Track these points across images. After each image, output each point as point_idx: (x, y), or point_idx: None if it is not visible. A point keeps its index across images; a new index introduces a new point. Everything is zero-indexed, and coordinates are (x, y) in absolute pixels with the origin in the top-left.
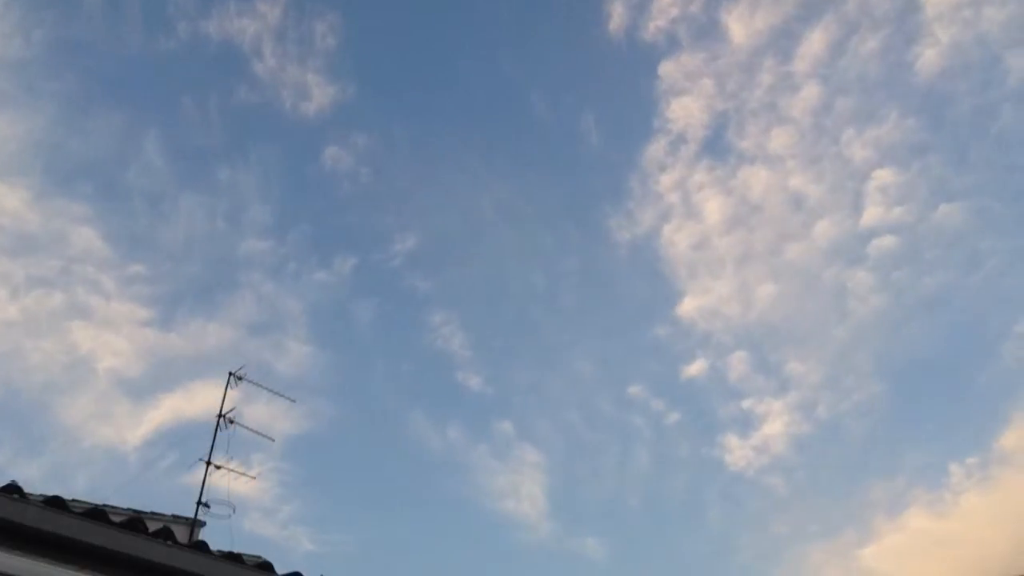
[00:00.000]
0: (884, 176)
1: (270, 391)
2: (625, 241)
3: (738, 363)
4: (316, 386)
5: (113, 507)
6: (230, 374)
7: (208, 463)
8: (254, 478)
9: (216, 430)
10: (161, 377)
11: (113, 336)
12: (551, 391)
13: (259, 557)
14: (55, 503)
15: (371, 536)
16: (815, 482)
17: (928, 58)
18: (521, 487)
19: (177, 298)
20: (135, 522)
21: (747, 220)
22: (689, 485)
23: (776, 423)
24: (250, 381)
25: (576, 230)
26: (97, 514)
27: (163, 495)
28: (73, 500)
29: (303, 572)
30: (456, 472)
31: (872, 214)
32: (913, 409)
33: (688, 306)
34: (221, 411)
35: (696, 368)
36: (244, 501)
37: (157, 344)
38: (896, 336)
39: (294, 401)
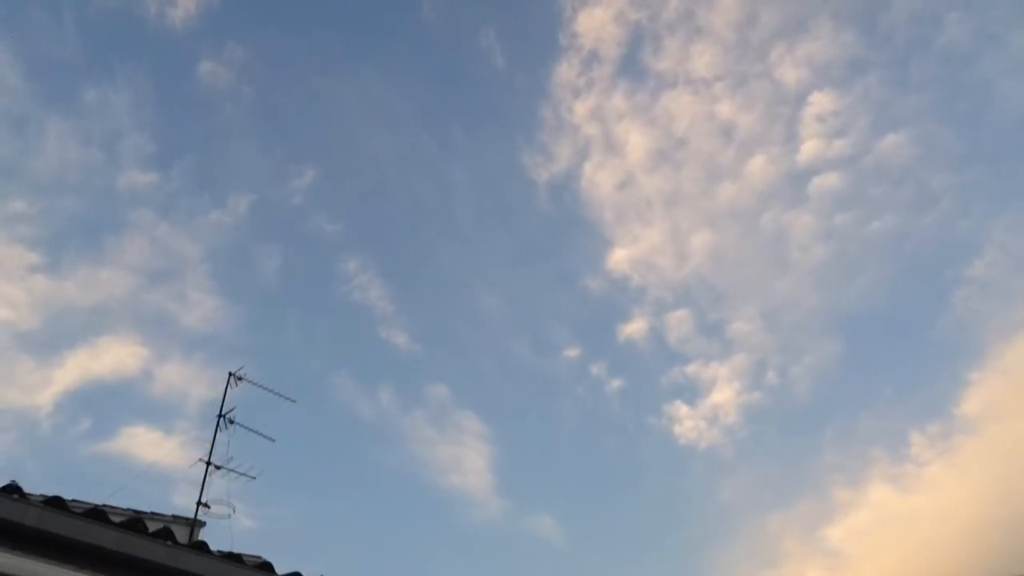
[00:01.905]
0: (821, 101)
1: (270, 391)
2: (544, 181)
3: (678, 323)
4: (229, 345)
5: (113, 507)
6: (230, 374)
7: (208, 463)
8: (254, 478)
9: (216, 430)
10: (62, 331)
11: (3, 283)
12: (482, 350)
13: (259, 557)
14: (55, 503)
15: (310, 512)
16: (769, 453)
17: None
18: (464, 460)
19: (62, 239)
20: (135, 522)
21: (673, 155)
22: (639, 457)
23: (725, 390)
24: (250, 381)
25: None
26: (97, 514)
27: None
28: (73, 500)
29: (302, 572)
30: (392, 442)
31: (810, 148)
32: (868, 371)
33: (619, 257)
34: (221, 411)
35: (634, 328)
36: (173, 472)
37: (52, 294)
38: (844, 288)
39: (294, 402)
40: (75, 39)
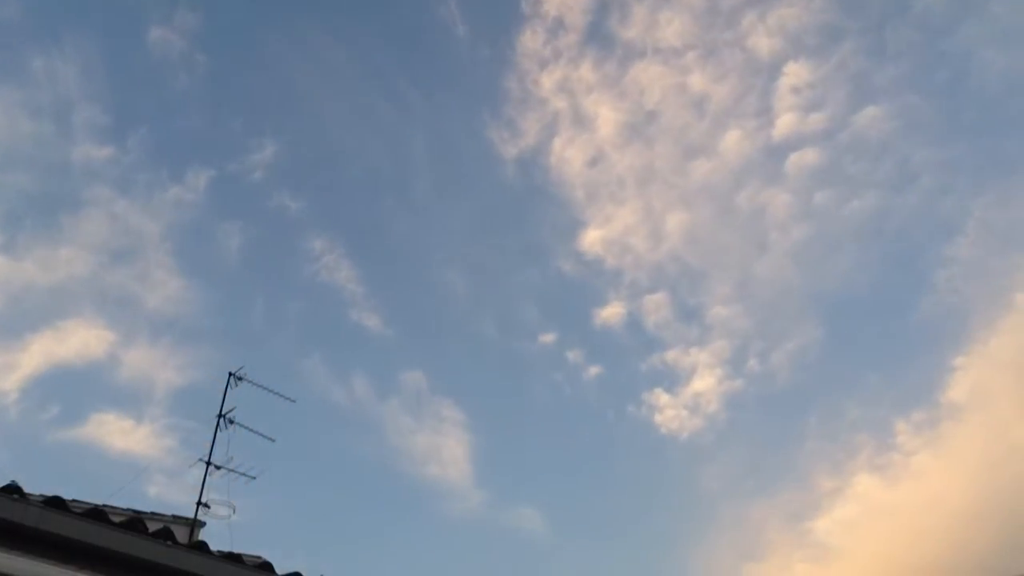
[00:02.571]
0: (796, 72)
1: (270, 391)
2: (512, 158)
3: (655, 307)
4: (195, 328)
5: (113, 507)
6: (230, 374)
7: (208, 463)
8: (254, 478)
9: (216, 430)
10: (24, 314)
11: None
12: (456, 334)
13: (259, 557)
14: (55, 503)
15: (286, 501)
16: (753, 443)
17: None
18: (443, 449)
19: (16, 217)
20: (135, 522)
21: (644, 130)
22: (620, 447)
23: (706, 377)
24: (250, 381)
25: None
26: (97, 514)
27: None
28: (73, 500)
29: (302, 572)
30: (368, 431)
31: (786, 122)
32: (851, 357)
33: (592, 238)
34: (221, 411)
35: (610, 313)
36: (144, 460)
37: (11, 274)
38: (824, 270)
39: (294, 401)
40: (17, 4)
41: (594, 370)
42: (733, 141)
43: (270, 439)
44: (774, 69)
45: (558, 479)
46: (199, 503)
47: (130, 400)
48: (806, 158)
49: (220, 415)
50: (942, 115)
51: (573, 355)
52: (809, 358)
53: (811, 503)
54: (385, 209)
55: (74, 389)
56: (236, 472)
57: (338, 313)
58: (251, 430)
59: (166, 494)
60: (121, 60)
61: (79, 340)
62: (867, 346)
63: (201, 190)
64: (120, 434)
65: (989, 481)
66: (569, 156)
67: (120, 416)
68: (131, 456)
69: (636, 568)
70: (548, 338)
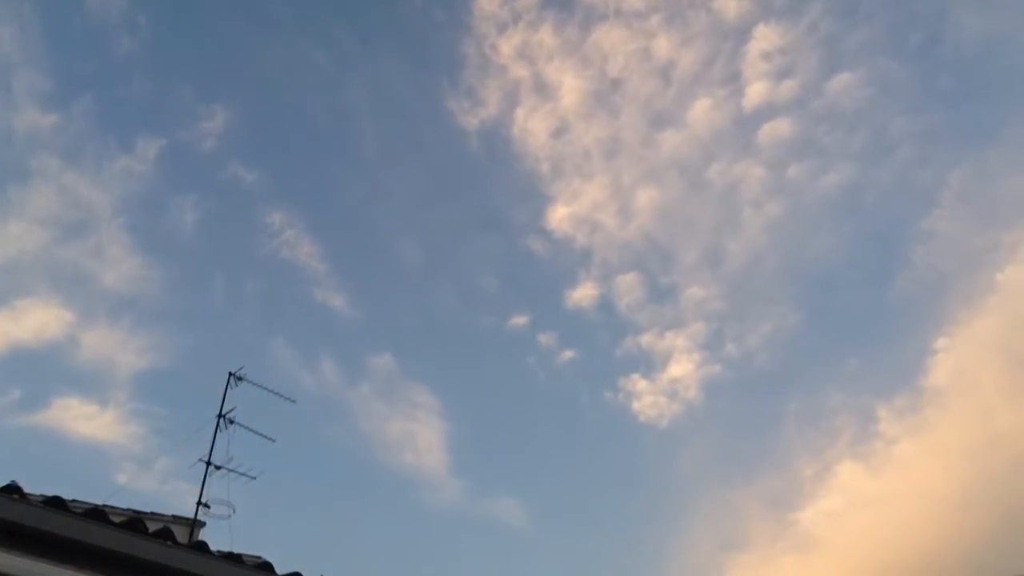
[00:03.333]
0: (765, 35)
1: (270, 391)
2: (474, 129)
3: (628, 288)
4: (154, 308)
5: (113, 507)
6: (230, 374)
7: (208, 463)
8: (254, 478)
9: (216, 430)
10: None
11: None
12: (423, 315)
13: (259, 557)
14: (55, 503)
15: (258, 492)
16: (733, 430)
17: None
18: (418, 436)
19: None
20: (135, 522)
21: (609, 99)
22: (599, 435)
23: (683, 362)
24: (250, 381)
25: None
26: (97, 514)
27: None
28: (73, 500)
29: (302, 572)
30: (338, 418)
31: (757, 90)
32: (830, 340)
33: (560, 214)
34: (221, 411)
35: (583, 294)
36: (113, 448)
37: None
38: (800, 248)
39: (294, 402)
40: None
41: (568, 354)
42: (702, 111)
43: (270, 439)
44: (743, 33)
45: (535, 468)
46: (199, 503)
47: (92, 384)
48: (779, 129)
49: (220, 415)
50: (917, 81)
51: (546, 339)
52: (787, 340)
53: (793, 491)
54: (348, 184)
55: (34, 372)
56: (236, 472)
57: (301, 291)
58: (251, 430)
59: (134, 483)
60: (59, 22)
61: (36, 320)
62: (846, 327)
63: (151, 160)
64: (84, 419)
65: (973, 469)
66: (533, 127)
67: (83, 401)
68: (96, 442)
69: (617, 558)
70: (520, 320)
